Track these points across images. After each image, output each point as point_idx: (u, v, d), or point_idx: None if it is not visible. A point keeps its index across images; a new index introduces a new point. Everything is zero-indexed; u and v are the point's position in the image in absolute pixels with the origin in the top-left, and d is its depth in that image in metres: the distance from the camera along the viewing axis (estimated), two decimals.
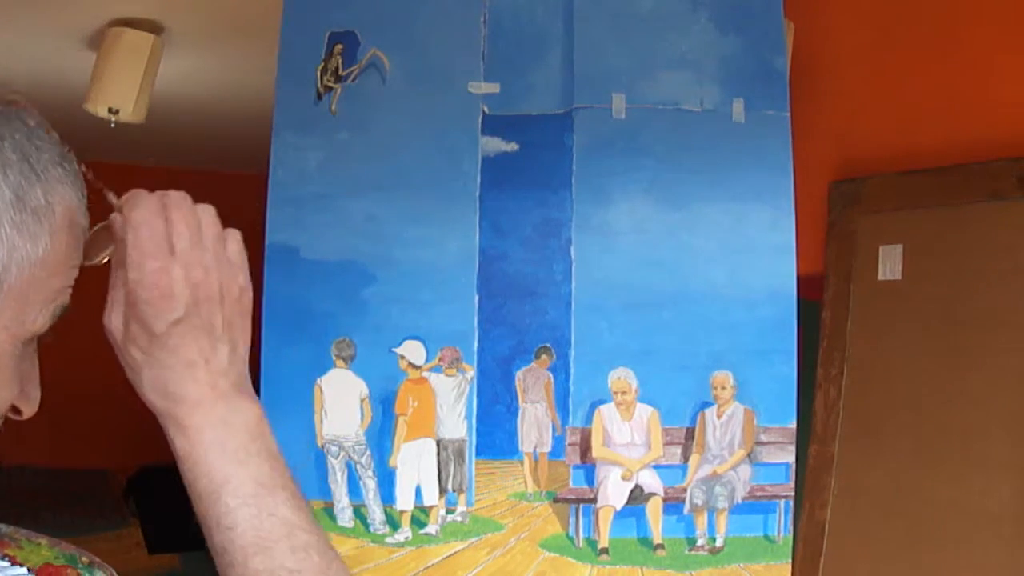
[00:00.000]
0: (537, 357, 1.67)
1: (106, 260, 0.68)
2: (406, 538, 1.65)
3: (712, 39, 1.71)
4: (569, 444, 1.66)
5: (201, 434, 0.68)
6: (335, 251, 1.66)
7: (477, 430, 1.67)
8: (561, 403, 1.66)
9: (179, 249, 0.66)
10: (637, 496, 1.66)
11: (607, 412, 1.65)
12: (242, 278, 0.70)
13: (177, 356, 0.67)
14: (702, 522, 1.66)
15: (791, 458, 1.67)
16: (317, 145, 1.69)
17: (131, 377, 0.69)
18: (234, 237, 0.71)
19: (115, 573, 0.71)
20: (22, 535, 0.70)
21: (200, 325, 0.67)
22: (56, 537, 0.71)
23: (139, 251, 0.66)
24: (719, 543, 1.66)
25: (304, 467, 1.64)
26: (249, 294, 0.72)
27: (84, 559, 0.70)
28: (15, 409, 0.66)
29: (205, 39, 3.18)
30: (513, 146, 1.69)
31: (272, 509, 0.67)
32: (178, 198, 0.69)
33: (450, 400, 1.66)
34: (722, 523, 1.66)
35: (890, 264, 1.87)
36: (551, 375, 1.67)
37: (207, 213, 0.70)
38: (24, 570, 0.63)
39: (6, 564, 0.66)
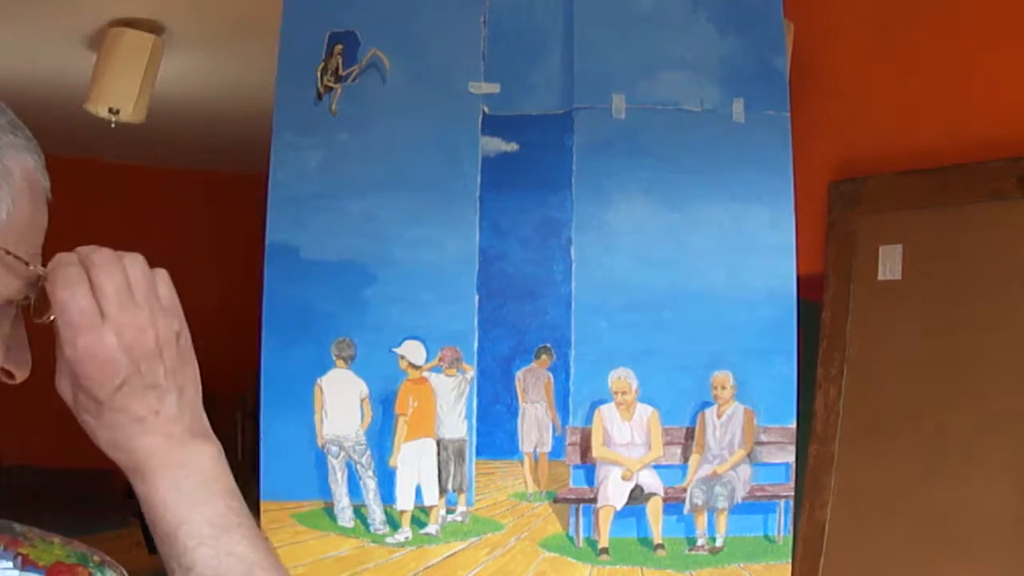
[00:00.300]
0: (537, 357, 1.67)
1: (53, 319, 0.68)
2: (406, 538, 1.65)
3: (712, 39, 1.72)
4: (569, 444, 1.66)
5: (159, 479, 0.68)
6: (335, 251, 1.66)
7: (477, 430, 1.67)
8: (561, 403, 1.66)
9: (109, 314, 0.66)
10: (637, 496, 1.66)
11: (607, 412, 1.66)
12: (177, 323, 0.70)
13: (127, 415, 0.67)
14: (702, 522, 1.66)
15: (791, 458, 1.67)
16: (317, 145, 1.69)
17: (89, 434, 0.69)
18: (163, 280, 0.70)
19: (125, 572, 0.72)
20: (36, 534, 0.71)
21: (143, 383, 0.67)
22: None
23: (70, 328, 0.65)
24: (719, 543, 1.66)
25: (304, 467, 1.65)
26: (186, 335, 0.71)
27: (95, 558, 0.71)
28: (7, 373, 0.67)
29: (205, 39, 3.18)
30: (513, 146, 1.69)
31: (230, 548, 0.67)
32: (102, 258, 0.67)
33: (450, 400, 1.66)
34: (722, 523, 1.66)
35: (890, 264, 1.87)
36: (551, 375, 1.67)
37: (135, 265, 0.68)
38: (14, 570, 0.64)
39: (9, 565, 0.67)
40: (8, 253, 0.64)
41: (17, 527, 0.70)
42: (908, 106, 1.95)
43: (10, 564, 0.65)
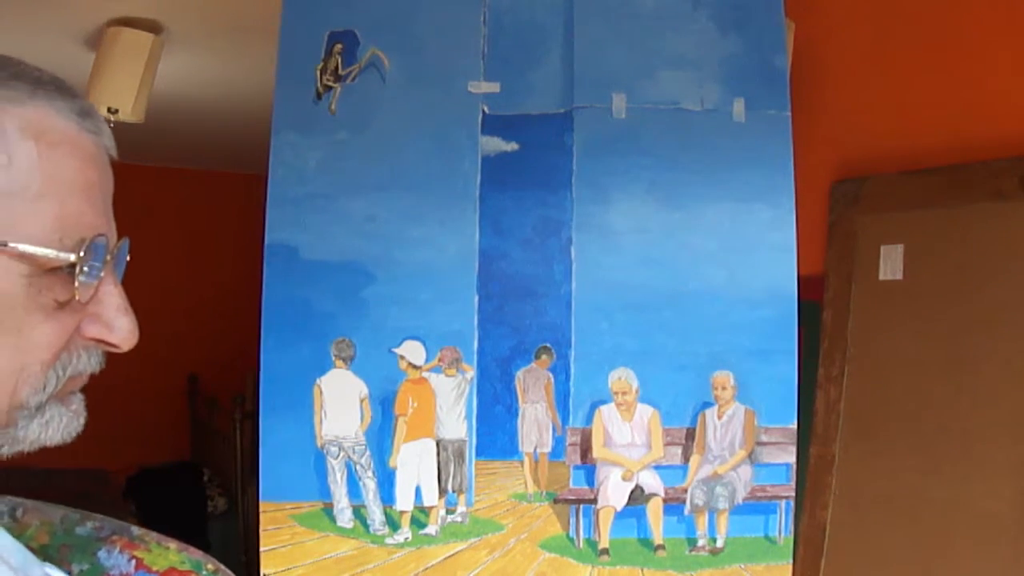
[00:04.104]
0: (537, 357, 1.66)
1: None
2: (406, 539, 1.65)
3: (712, 39, 1.71)
4: (569, 444, 1.66)
5: None
6: (335, 251, 1.66)
7: (477, 430, 1.66)
8: (561, 403, 1.66)
9: None
10: (637, 497, 1.66)
11: (607, 412, 1.65)
12: None
13: None
14: (703, 523, 1.66)
15: (792, 458, 1.66)
16: (317, 145, 1.68)
17: None
18: None
19: None
20: (153, 538, 0.72)
21: None
22: None
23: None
24: (720, 544, 1.65)
25: (304, 467, 1.64)
26: None
27: (210, 566, 0.71)
28: (107, 343, 0.64)
29: (205, 39, 3.17)
30: (513, 146, 1.69)
31: None
32: None
33: (450, 400, 1.66)
34: (723, 524, 1.65)
35: (891, 264, 1.87)
36: (551, 375, 1.66)
37: None
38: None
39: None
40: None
41: (135, 530, 0.71)
42: (909, 106, 1.95)
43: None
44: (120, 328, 0.63)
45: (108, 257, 0.62)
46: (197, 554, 0.71)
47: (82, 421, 0.64)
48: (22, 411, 0.60)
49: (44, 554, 0.63)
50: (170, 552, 0.71)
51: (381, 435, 1.65)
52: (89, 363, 0.63)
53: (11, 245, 0.57)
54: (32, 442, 0.62)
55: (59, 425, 0.63)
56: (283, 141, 1.68)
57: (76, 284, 0.60)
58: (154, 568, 0.69)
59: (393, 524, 1.65)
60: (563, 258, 1.67)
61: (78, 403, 0.64)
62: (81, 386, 0.64)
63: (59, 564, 0.62)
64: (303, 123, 1.69)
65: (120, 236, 0.66)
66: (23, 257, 0.58)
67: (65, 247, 0.59)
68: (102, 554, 0.69)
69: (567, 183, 1.67)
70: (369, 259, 1.66)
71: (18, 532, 0.61)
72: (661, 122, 1.69)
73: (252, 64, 3.27)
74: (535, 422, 1.66)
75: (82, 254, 0.60)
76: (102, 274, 0.62)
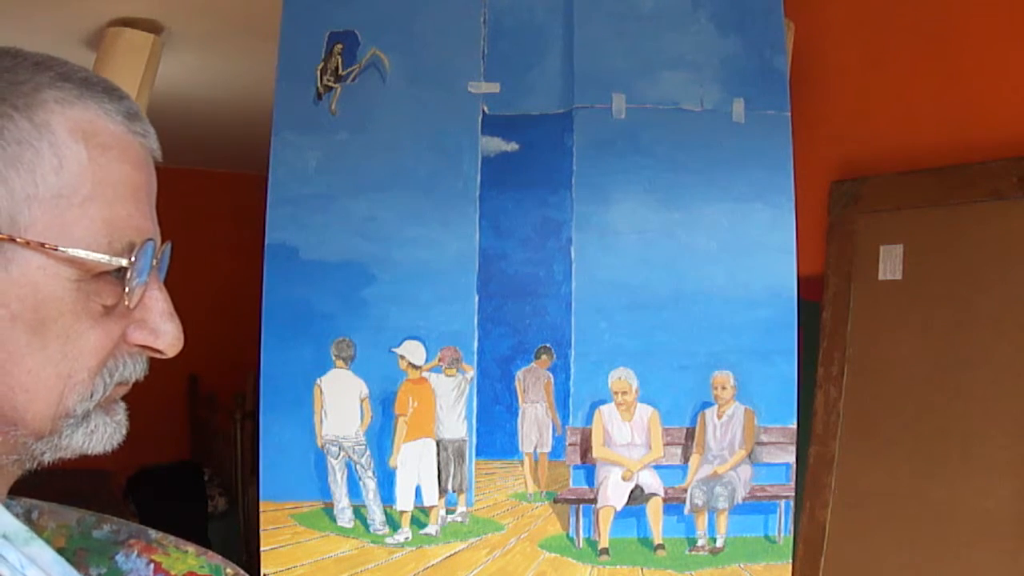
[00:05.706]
0: (537, 357, 1.66)
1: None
2: (406, 538, 1.65)
3: (712, 39, 1.71)
4: (569, 444, 1.66)
5: None
6: (335, 251, 1.66)
7: (477, 430, 1.67)
8: (561, 403, 1.66)
9: None
10: (637, 496, 1.66)
11: (607, 412, 1.65)
12: None
13: None
14: (702, 522, 1.66)
15: (791, 458, 1.66)
16: (317, 145, 1.68)
17: None
18: None
19: None
20: (171, 542, 0.70)
21: None
22: None
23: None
24: (719, 543, 1.66)
25: (304, 467, 1.64)
26: None
27: (229, 571, 0.70)
28: (153, 349, 0.63)
29: (205, 39, 3.17)
30: (513, 146, 1.69)
31: None
32: None
33: (450, 400, 1.66)
34: (722, 523, 1.66)
35: (890, 264, 1.87)
36: (551, 375, 1.66)
37: None
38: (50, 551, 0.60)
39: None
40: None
41: (152, 533, 0.70)
42: (909, 106, 1.95)
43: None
44: (166, 333, 0.62)
45: (154, 262, 0.62)
46: (216, 558, 0.70)
47: (124, 432, 0.64)
48: (68, 419, 0.60)
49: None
50: (189, 556, 0.69)
51: (381, 435, 1.65)
52: (135, 370, 0.63)
53: (61, 249, 0.56)
54: (75, 450, 0.61)
55: (103, 435, 0.62)
56: (283, 141, 1.69)
57: (126, 289, 0.59)
58: (173, 572, 0.67)
59: (393, 524, 1.65)
60: (563, 258, 1.67)
61: (121, 413, 0.64)
62: (124, 393, 0.64)
63: (76, 568, 0.61)
64: (303, 123, 1.69)
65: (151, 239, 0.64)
66: (72, 262, 0.57)
67: (114, 251, 0.58)
68: (120, 558, 0.68)
69: (567, 183, 1.67)
70: (369, 259, 1.66)
71: None
72: (661, 122, 1.69)
73: (252, 64, 3.27)
74: (535, 422, 1.67)
75: (132, 259, 0.59)
76: (147, 279, 0.61)
